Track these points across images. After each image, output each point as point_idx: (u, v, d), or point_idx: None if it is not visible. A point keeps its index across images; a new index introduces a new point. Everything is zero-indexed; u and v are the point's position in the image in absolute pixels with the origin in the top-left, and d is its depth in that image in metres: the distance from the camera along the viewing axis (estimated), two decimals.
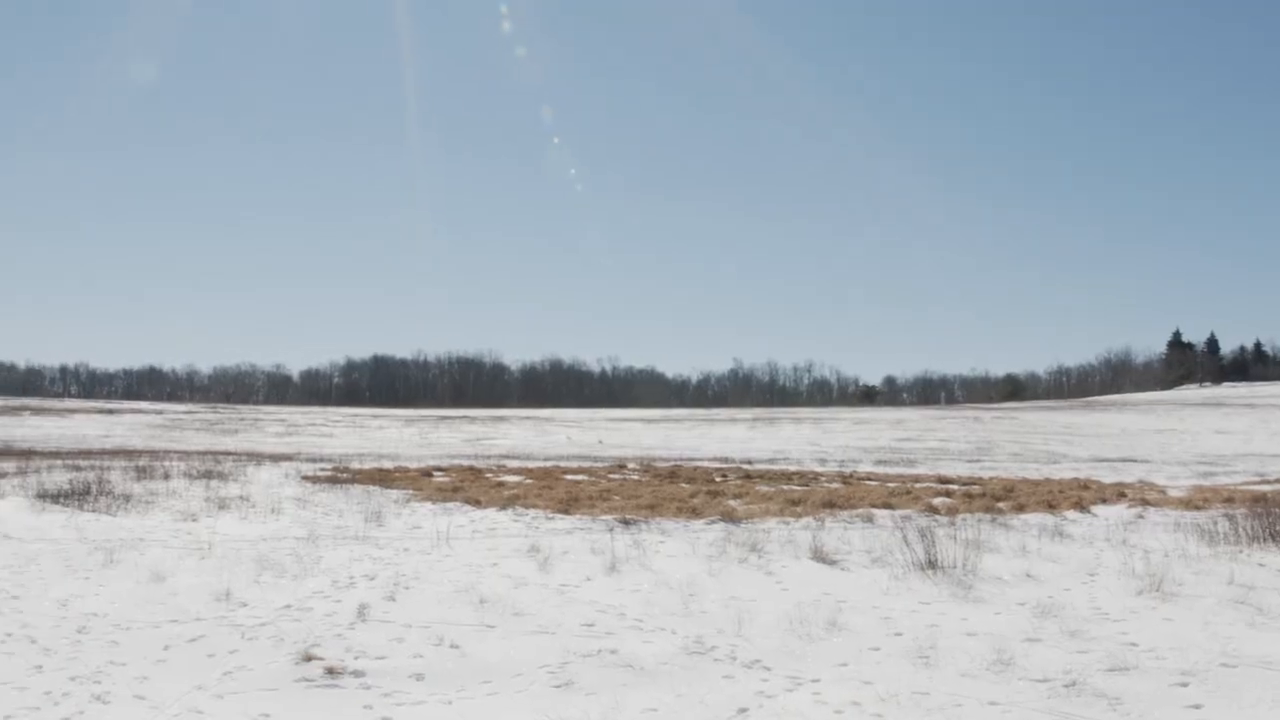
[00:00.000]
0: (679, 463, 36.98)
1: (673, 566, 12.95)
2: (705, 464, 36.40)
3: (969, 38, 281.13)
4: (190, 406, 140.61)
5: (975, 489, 24.76)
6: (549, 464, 34.28)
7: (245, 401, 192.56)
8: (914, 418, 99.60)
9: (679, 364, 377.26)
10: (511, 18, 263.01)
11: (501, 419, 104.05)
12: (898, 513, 18.91)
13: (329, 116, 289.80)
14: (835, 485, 25.87)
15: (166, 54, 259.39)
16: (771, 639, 9.27)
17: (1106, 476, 32.60)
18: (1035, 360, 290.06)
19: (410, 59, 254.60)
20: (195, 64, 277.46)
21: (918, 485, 25.93)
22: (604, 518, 17.80)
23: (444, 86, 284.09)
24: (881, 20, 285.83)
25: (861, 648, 8.96)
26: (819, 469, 33.92)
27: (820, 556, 13.53)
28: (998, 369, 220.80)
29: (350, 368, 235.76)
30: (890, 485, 25.74)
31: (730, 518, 17.90)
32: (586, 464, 34.79)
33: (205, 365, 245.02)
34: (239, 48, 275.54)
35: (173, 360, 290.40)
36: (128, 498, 19.04)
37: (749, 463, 38.03)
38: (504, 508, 19.19)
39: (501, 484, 24.53)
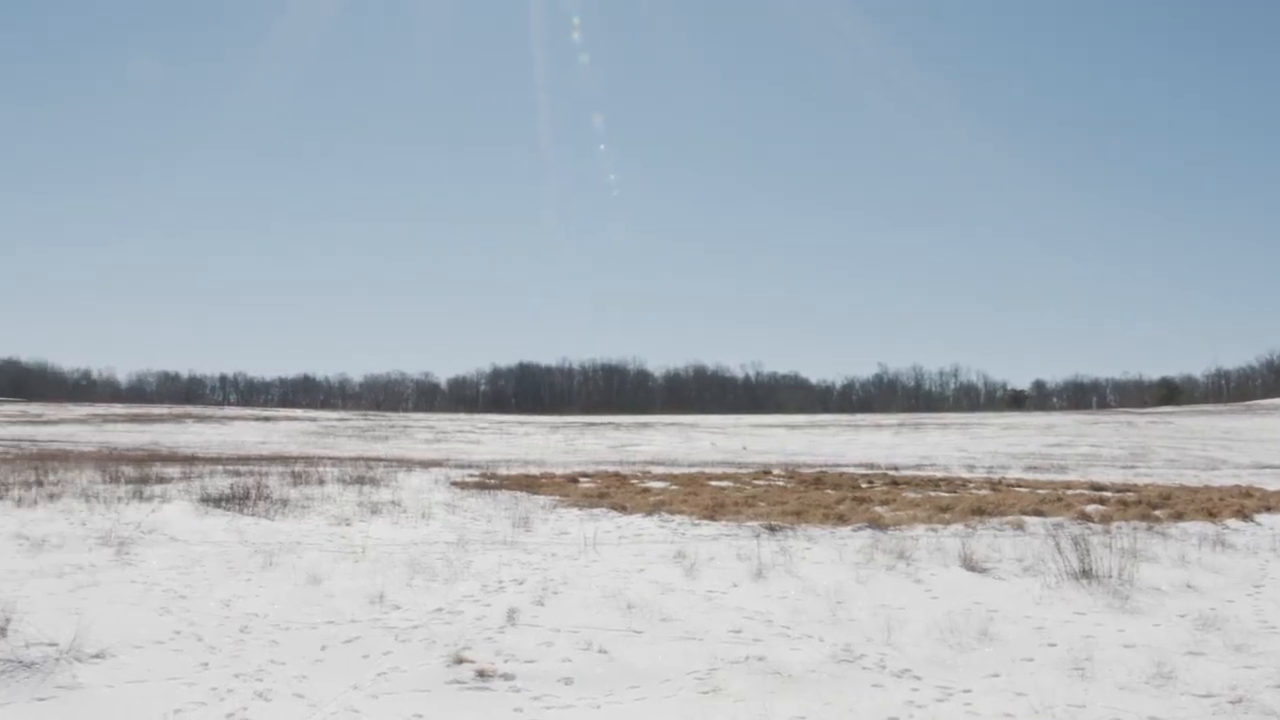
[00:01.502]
0: (824, 468, 36.68)
1: (819, 573, 12.86)
2: (850, 470, 36.05)
3: (1104, 34, 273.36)
4: (342, 414, 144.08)
5: (1130, 496, 24.06)
6: (693, 470, 34.30)
7: (395, 409, 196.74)
8: (1065, 422, 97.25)
9: (823, 369, 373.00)
10: (650, 19, 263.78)
11: (646, 425, 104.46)
12: (1049, 520, 18.48)
13: (469, 122, 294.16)
14: (984, 492, 25.40)
15: (310, 61, 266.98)
16: (921, 648, 9.15)
17: (1270, 484, 31.35)
18: (1191, 363, 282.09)
19: (542, 62, 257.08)
20: (335, 72, 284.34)
21: (1069, 492, 25.29)
22: (750, 524, 17.75)
23: (581, 90, 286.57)
24: (1012, 19, 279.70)
25: (1014, 658, 8.80)
26: (967, 475, 33.34)
27: (970, 564, 13.31)
28: (1152, 372, 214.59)
29: (496, 375, 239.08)
30: (1041, 492, 25.16)
31: (877, 524, 17.71)
32: (731, 470, 34.73)
33: (356, 374, 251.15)
34: (377, 55, 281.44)
35: (326, 369, 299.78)
36: (285, 502, 19.56)
37: (895, 469, 37.55)
38: (650, 514, 19.26)
39: (647, 490, 24.63)
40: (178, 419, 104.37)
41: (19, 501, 18.44)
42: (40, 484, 21.75)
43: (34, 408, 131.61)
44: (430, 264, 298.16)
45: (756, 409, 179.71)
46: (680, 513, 19.35)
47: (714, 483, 27.43)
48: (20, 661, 8.20)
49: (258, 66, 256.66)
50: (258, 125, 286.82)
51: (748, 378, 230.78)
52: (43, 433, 71.99)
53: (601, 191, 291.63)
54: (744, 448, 63.72)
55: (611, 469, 34.15)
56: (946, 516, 18.89)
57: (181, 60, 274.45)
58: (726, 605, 11.03)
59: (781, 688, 7.99)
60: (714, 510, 19.64)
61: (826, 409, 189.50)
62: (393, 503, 20.22)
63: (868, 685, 8.05)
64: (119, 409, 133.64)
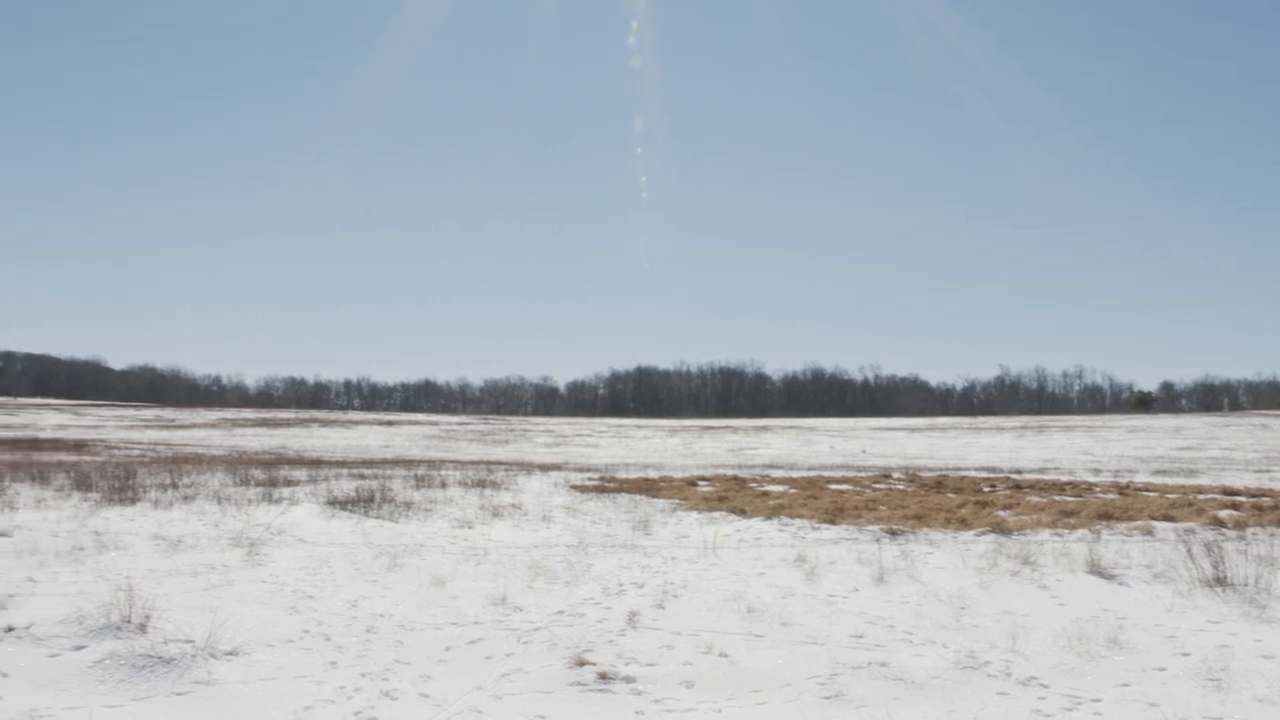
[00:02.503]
0: (945, 472, 36.17)
1: (942, 578, 12.71)
2: (972, 474, 35.48)
3: (1210, 27, 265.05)
4: (463, 418, 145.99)
5: (1265, 501, 23.30)
6: (812, 473, 34.08)
7: (514, 413, 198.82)
8: (1195, 425, 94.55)
9: (942, 371, 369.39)
10: (758, 16, 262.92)
11: (764, 428, 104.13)
12: (1179, 525, 18.01)
13: (584, 123, 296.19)
14: (1110, 496, 24.81)
15: (419, 62, 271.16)
16: (1047, 655, 8.98)
17: None
18: None
19: (651, 63, 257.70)
20: (442, 74, 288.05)
21: (1200, 497, 24.60)
22: (870, 528, 17.60)
23: (694, 92, 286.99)
24: (1107, 12, 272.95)
25: (1145, 667, 8.59)
26: (1092, 479, 32.58)
27: (1097, 570, 13.03)
28: None
29: (615, 379, 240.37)
30: (1170, 496, 24.51)
31: (1000, 529, 17.43)
32: (850, 473, 34.43)
33: (477, 378, 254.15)
34: (485, 56, 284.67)
35: (446, 374, 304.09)
36: (408, 505, 19.89)
37: (1018, 472, 36.86)
38: (769, 517, 19.19)
39: (766, 494, 24.54)
40: (304, 423, 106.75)
41: (156, 503, 19.03)
42: (175, 487, 22.42)
43: (168, 413, 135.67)
44: (548, 268, 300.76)
45: (875, 412, 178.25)
46: (800, 516, 19.25)
47: (833, 486, 27.24)
48: (160, 657, 8.46)
49: (370, 68, 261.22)
50: (369, 127, 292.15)
51: (866, 380, 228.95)
52: (176, 437, 74.17)
53: (708, 193, 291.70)
54: (863, 451, 63.15)
55: (730, 473, 34.08)
56: (1072, 521, 18.51)
57: (297, 63, 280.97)
58: (848, 610, 10.95)
59: (904, 694, 7.91)
60: (834, 514, 19.50)
61: (946, 412, 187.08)
62: (513, 506, 20.43)
63: (992, 693, 7.93)
64: (248, 414, 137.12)
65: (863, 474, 34.03)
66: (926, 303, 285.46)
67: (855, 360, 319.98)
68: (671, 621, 10.31)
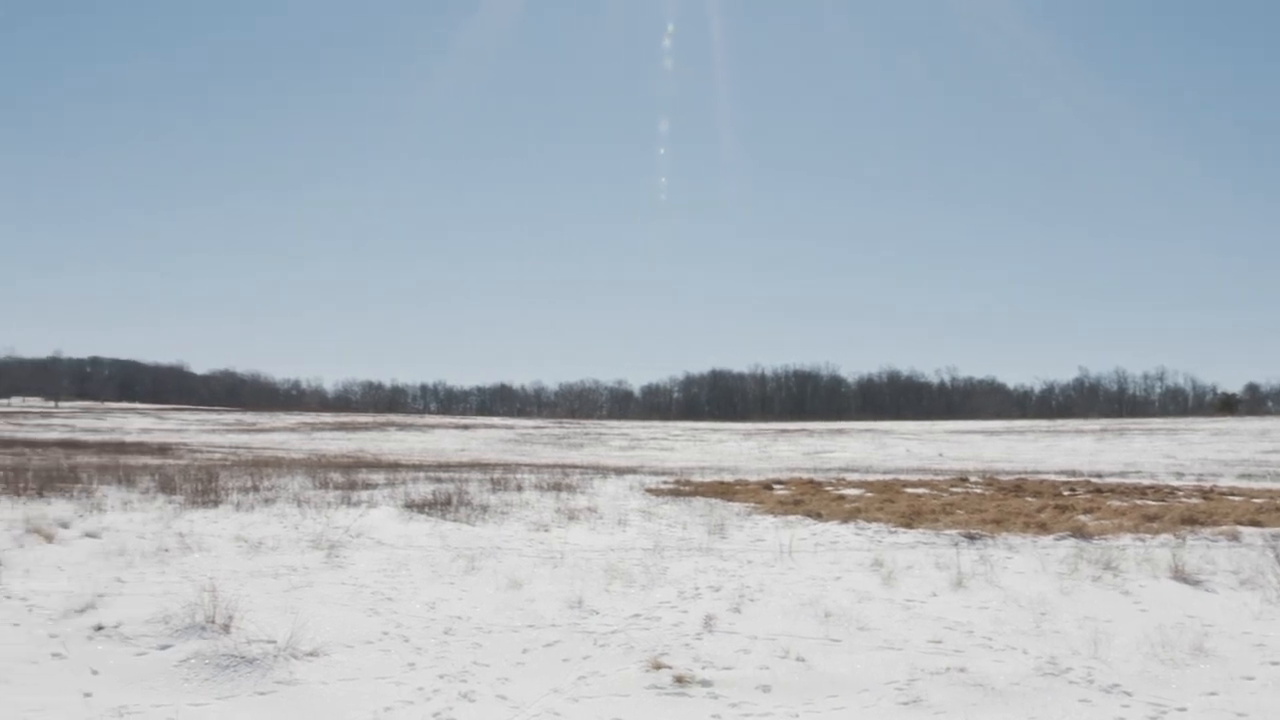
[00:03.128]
0: (1023, 476, 35.71)
1: (1021, 583, 12.56)
2: (1051, 477, 35.00)
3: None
4: (538, 422, 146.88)
5: None
6: (888, 477, 33.84)
7: (589, 416, 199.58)
8: None
9: (1020, 373, 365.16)
10: (826, 19, 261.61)
11: (839, 432, 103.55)
12: (1267, 530, 17.64)
13: (653, 127, 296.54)
14: (1194, 500, 24.37)
15: (489, 71, 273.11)
16: (1131, 663, 8.85)
17: None
18: None
19: (723, 66, 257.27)
20: (512, 78, 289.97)
21: None
22: (948, 532, 17.43)
23: (764, 97, 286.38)
24: (1179, 18, 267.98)
25: (1232, 676, 8.44)
26: (1175, 483, 32.01)
27: (1181, 576, 12.81)
28: None
29: (690, 382, 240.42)
30: (1257, 501, 24.02)
31: (1081, 533, 17.18)
32: (927, 477, 34.13)
33: (552, 382, 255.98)
34: (555, 57, 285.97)
35: (521, 378, 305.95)
36: (485, 508, 20.01)
37: (1098, 476, 36.31)
38: (845, 521, 19.08)
39: (842, 497, 24.40)
40: (381, 427, 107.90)
41: (237, 506, 19.32)
42: (256, 489, 22.75)
43: (248, 416, 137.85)
44: (624, 272, 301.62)
45: (952, 415, 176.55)
46: (876, 520, 19.12)
47: (910, 490, 27.01)
48: (243, 657, 8.60)
49: (440, 74, 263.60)
50: (442, 132, 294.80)
51: (943, 383, 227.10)
52: (257, 440, 75.28)
53: (782, 197, 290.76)
54: (940, 454, 62.55)
55: (805, 476, 33.91)
56: (1154, 526, 18.21)
57: (372, 66, 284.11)
58: (926, 615, 10.86)
59: (984, 700, 7.83)
60: (911, 518, 19.34)
61: (1024, 414, 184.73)
62: (589, 509, 20.48)
63: (1074, 700, 7.83)
64: (327, 417, 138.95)
65: (939, 477, 33.74)
66: (1004, 304, 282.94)
67: (931, 363, 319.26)
68: (748, 625, 10.28)
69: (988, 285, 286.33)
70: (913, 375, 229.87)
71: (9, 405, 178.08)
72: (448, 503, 20.27)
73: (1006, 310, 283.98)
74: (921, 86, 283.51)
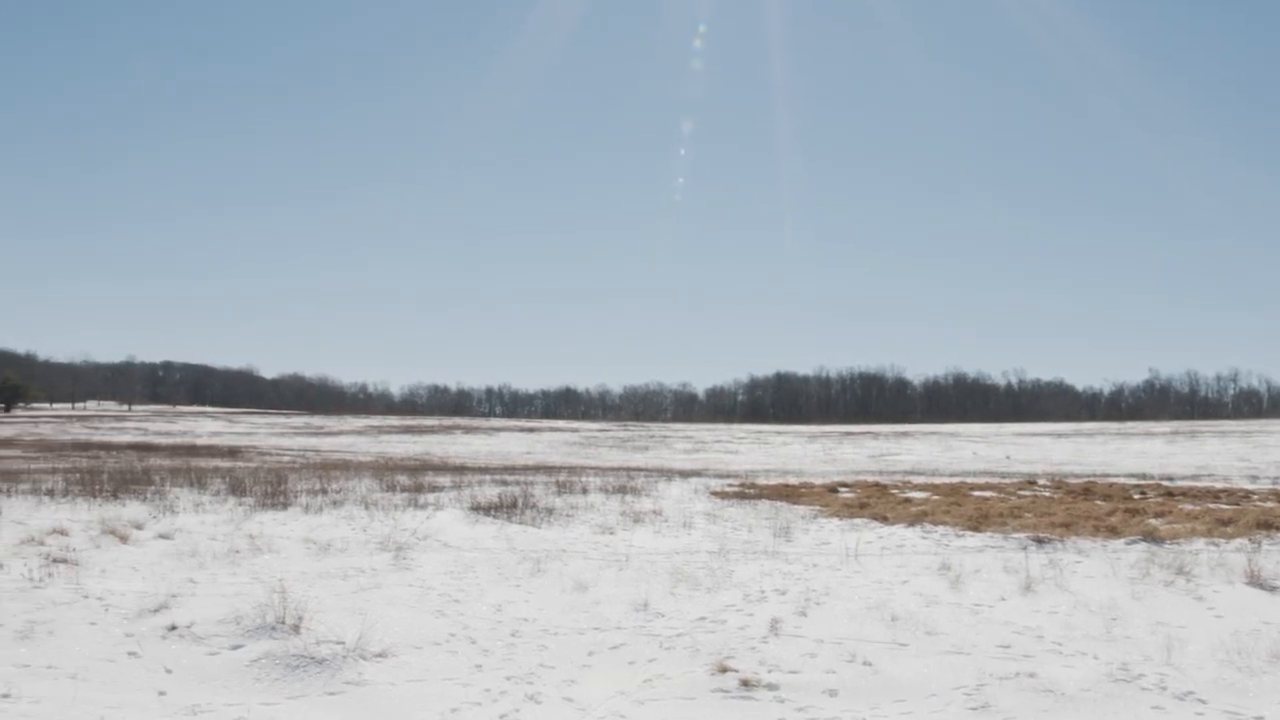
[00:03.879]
0: (1092, 479, 35.26)
1: (1092, 588, 12.40)
2: (1120, 480, 34.52)
3: None
4: (603, 424, 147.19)
5: None
6: (955, 480, 33.53)
7: (654, 419, 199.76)
8: None
9: (1089, 375, 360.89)
10: (886, 22, 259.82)
11: (905, 434, 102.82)
12: None
13: (713, 129, 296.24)
14: (1270, 504, 23.91)
15: (548, 74, 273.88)
16: (1205, 669, 8.70)
17: None
18: None
19: (781, 67, 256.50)
20: (568, 81, 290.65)
21: None
22: (1015, 535, 17.26)
23: (828, 100, 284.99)
24: (1238, 18, 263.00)
25: None
26: (1249, 486, 31.43)
27: (1257, 581, 12.57)
28: None
29: (754, 385, 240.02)
30: None
31: (1152, 537, 16.93)
32: (994, 480, 33.79)
33: (616, 385, 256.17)
34: (616, 59, 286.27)
35: (586, 381, 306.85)
36: (550, 511, 20.08)
37: (1169, 479, 35.76)
38: (911, 524, 18.95)
39: (908, 500, 24.22)
40: (447, 430, 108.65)
41: (306, 508, 19.53)
42: (324, 492, 22.98)
43: (317, 420, 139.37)
44: (687, 275, 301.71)
45: (1019, 417, 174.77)
46: (943, 523, 18.97)
47: (977, 493, 26.76)
48: (312, 658, 8.71)
49: (500, 77, 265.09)
50: (504, 135, 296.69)
51: (1010, 385, 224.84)
52: (325, 443, 76.05)
53: (846, 200, 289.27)
54: (1007, 457, 61.90)
55: (871, 479, 33.72)
56: (1229, 530, 17.90)
57: (432, 67, 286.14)
58: (994, 619, 10.75)
59: (1054, 706, 7.75)
60: (978, 521, 19.17)
61: (1093, 416, 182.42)
62: (654, 512, 20.48)
63: (1147, 707, 7.72)
64: (393, 421, 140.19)
65: (1006, 480, 33.40)
66: (1072, 306, 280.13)
67: (998, 365, 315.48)
68: (814, 629, 10.24)
69: (1056, 286, 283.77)
70: (979, 377, 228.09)
71: (85, 409, 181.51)
72: (513, 505, 20.36)
73: (1075, 311, 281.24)
74: (977, 85, 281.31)
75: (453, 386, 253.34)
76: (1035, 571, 13.31)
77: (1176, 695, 7.99)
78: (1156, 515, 20.64)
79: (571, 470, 37.30)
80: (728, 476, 34.82)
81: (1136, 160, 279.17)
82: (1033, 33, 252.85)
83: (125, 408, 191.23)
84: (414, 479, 27.89)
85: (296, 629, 9.54)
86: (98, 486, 22.17)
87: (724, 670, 8.69)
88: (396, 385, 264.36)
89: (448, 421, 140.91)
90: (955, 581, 12.75)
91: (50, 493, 20.87)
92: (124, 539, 15.17)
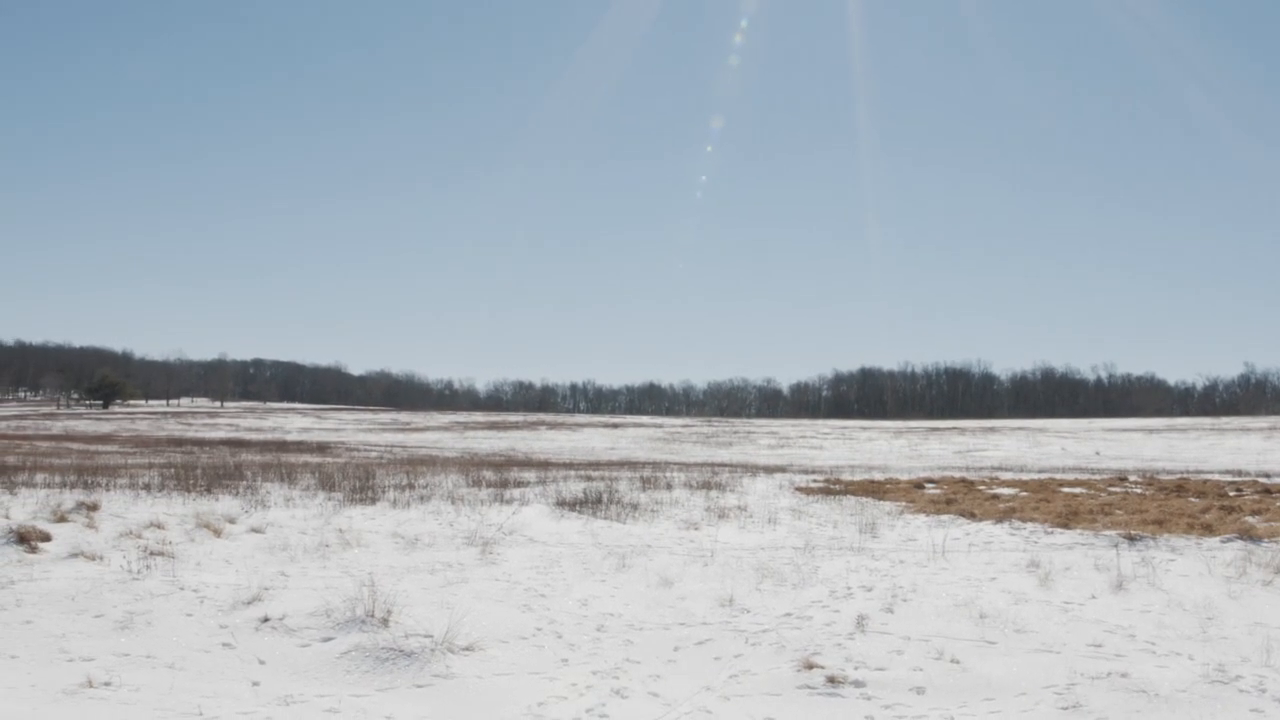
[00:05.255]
0: (1185, 475, 34.53)
1: (1185, 586, 12.16)
2: (1215, 477, 33.77)
3: None
4: (686, 420, 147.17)
5: None
6: (1043, 476, 33.03)
7: (738, 415, 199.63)
8: None
9: (1181, 370, 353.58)
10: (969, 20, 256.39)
11: (992, 430, 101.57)
12: None
13: (795, 131, 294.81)
14: None
15: (628, 71, 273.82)
16: None
17: None
18: None
19: (862, 63, 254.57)
20: (653, 82, 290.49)
21: None
22: (1106, 533, 16.97)
23: (907, 97, 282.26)
24: None
25: None
26: None
27: None
28: None
29: (838, 380, 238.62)
30: None
31: (1249, 535, 16.56)
32: (1083, 476, 33.24)
33: (700, 381, 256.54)
34: (692, 59, 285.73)
35: (670, 377, 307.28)
36: (635, 506, 20.11)
37: (1265, 476, 34.90)
38: (999, 521, 18.72)
39: (995, 496, 23.93)
40: (532, 426, 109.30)
41: (394, 503, 19.74)
42: (411, 487, 23.22)
43: (403, 416, 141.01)
44: (771, 272, 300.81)
45: (1109, 412, 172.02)
46: (1032, 520, 18.71)
47: (1066, 489, 26.36)
48: (401, 651, 8.82)
49: (580, 72, 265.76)
50: (581, 135, 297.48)
51: (1099, 380, 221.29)
52: (411, 439, 76.91)
53: (931, 196, 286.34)
54: (1097, 453, 60.91)
55: (957, 475, 33.34)
56: None
57: (518, 66, 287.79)
58: (1084, 618, 10.59)
59: (1147, 707, 7.62)
60: (1067, 518, 18.88)
61: (1186, 412, 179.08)
62: (739, 508, 20.44)
63: (1245, 710, 7.56)
64: (478, 417, 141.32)
65: (1096, 477, 32.86)
66: (1164, 299, 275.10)
67: (1088, 359, 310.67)
68: (901, 626, 10.17)
69: (1147, 280, 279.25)
70: (1068, 372, 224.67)
71: (179, 406, 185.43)
72: (598, 501, 20.41)
73: (1167, 305, 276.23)
74: (1066, 80, 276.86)
75: (537, 382, 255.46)
76: (1127, 569, 13.09)
77: (1276, 698, 7.81)
78: (1253, 513, 20.19)
79: (655, 466, 37.32)
80: (812, 472, 34.64)
81: (1228, 155, 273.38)
82: (1120, 25, 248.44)
83: (217, 404, 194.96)
84: (499, 474, 28.08)
85: (385, 622, 9.66)
86: (192, 481, 22.60)
87: (810, 667, 8.66)
88: (481, 381, 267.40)
89: (532, 417, 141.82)
90: (1044, 579, 12.57)
91: (147, 487, 21.30)
92: (218, 533, 15.46)
